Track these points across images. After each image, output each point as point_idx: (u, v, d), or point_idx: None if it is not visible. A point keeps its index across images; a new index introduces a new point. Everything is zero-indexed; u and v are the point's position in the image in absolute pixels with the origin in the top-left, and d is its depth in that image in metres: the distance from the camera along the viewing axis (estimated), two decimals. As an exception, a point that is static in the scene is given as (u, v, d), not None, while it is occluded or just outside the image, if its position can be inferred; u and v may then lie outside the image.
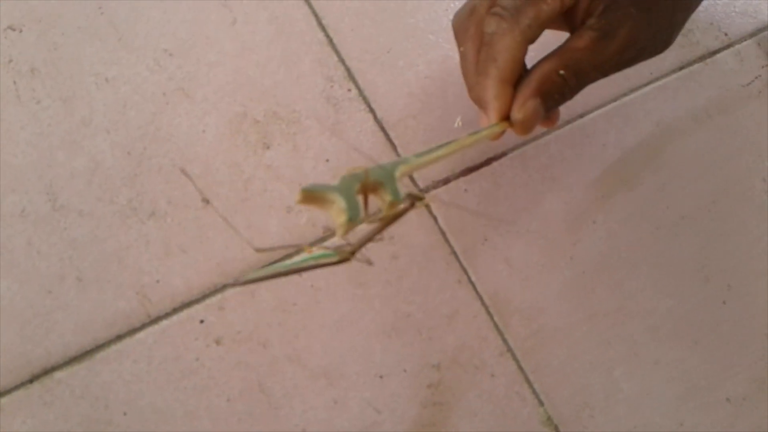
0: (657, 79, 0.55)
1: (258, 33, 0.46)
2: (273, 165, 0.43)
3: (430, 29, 0.49)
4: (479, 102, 0.35)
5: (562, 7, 0.33)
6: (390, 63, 0.48)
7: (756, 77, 0.58)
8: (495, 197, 0.47)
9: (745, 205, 0.53)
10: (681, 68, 0.57)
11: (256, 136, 0.44)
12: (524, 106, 0.33)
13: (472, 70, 0.35)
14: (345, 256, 0.29)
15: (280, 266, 0.31)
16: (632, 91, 0.54)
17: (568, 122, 0.52)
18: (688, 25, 0.58)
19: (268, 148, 0.44)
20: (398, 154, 0.46)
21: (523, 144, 0.50)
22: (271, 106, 0.45)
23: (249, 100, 0.45)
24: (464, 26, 0.36)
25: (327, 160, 0.45)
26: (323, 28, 0.48)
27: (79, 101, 0.41)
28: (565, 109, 0.51)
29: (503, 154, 0.49)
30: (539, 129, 0.49)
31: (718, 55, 0.58)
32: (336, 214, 0.26)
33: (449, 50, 0.49)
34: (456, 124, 0.48)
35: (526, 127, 0.34)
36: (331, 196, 0.26)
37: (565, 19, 0.35)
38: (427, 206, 0.46)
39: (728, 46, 0.59)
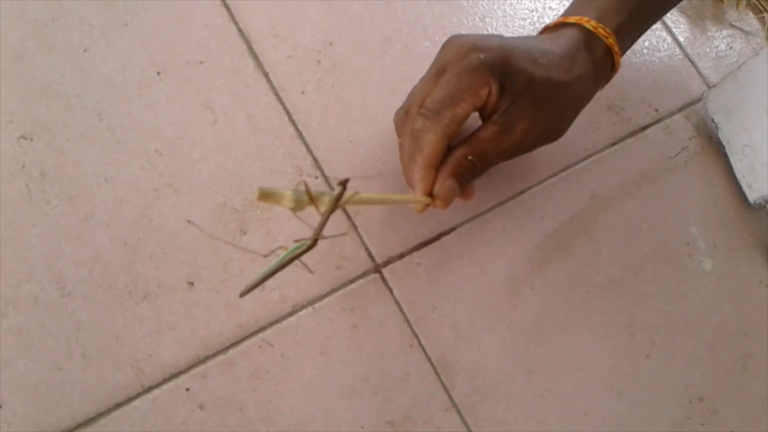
0: (592, 154, 0.63)
1: (236, 130, 0.54)
2: (248, 248, 0.50)
3: (386, 120, 0.57)
4: (409, 182, 0.42)
5: (473, 108, 0.40)
6: (352, 151, 0.56)
7: (683, 149, 0.66)
8: (444, 269, 0.54)
9: (669, 267, 0.60)
10: (614, 144, 0.64)
11: (235, 224, 0.51)
12: (443, 185, 0.41)
13: (406, 157, 0.42)
14: (311, 243, 0.38)
15: (267, 268, 0.38)
16: (569, 166, 0.61)
17: (511, 198, 0.59)
18: (621, 103, 0.65)
19: (245, 233, 0.51)
20: (359, 233, 0.54)
21: (470, 220, 0.57)
22: (248, 196, 0.52)
23: (228, 191, 0.52)
24: (401, 122, 0.43)
25: (296, 241, 0.52)
26: (294, 123, 0.55)
27: (83, 199, 0.48)
28: (509, 186, 0.58)
29: (452, 230, 0.56)
30: (478, 207, 0.57)
31: (649, 130, 0.65)
32: (287, 201, 0.34)
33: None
34: (410, 205, 0.56)
35: (444, 201, 0.41)
36: (282, 192, 0.34)
37: (479, 113, 0.43)
38: (384, 279, 0.53)
39: (658, 121, 0.66)
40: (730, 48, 0.73)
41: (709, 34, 0.73)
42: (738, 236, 0.63)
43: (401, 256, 0.54)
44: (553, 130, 0.44)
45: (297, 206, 0.35)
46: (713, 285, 0.61)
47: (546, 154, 0.61)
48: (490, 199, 0.58)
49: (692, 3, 0.74)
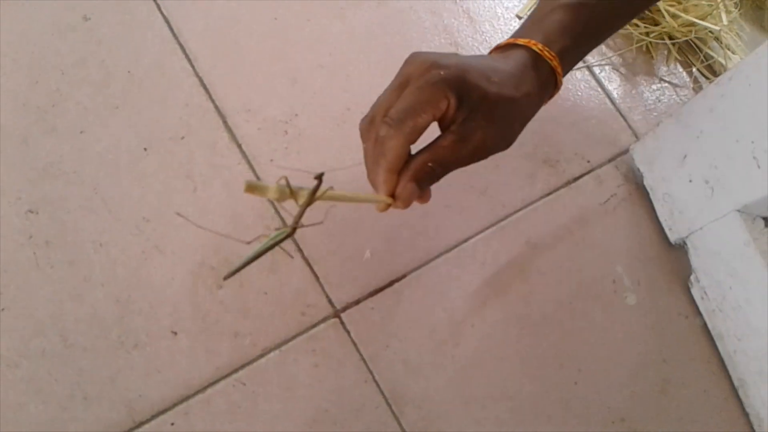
0: (528, 204, 0.71)
1: (213, 197, 0.62)
2: (224, 301, 0.59)
3: (346, 183, 0.65)
4: (373, 184, 0.45)
5: (433, 119, 0.43)
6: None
7: (612, 195, 0.74)
8: (396, 312, 0.63)
9: (596, 303, 0.69)
10: (549, 194, 0.72)
11: (212, 280, 0.59)
12: (404, 188, 0.44)
13: (371, 161, 0.45)
14: (290, 231, 0.42)
15: (250, 253, 0.41)
16: (508, 216, 0.70)
17: (455, 246, 0.67)
18: (556, 156, 0.74)
19: (220, 288, 0.59)
20: (323, 288, 0.62)
21: (419, 267, 0.65)
22: (224, 254, 0.60)
23: (206, 251, 0.60)
24: (366, 129, 0.45)
25: (265, 293, 0.60)
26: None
27: (81, 263, 0.57)
28: (454, 235, 0.66)
29: (403, 276, 0.64)
30: (427, 255, 0.65)
31: (581, 180, 0.74)
32: (272, 193, 0.39)
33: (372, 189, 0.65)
34: (365, 256, 0.64)
35: (405, 202, 0.44)
36: (266, 185, 0.39)
37: (439, 124, 0.45)
38: (342, 323, 0.61)
39: (590, 171, 0.75)
40: (659, 101, 0.81)
41: (640, 88, 0.81)
42: (660, 273, 0.72)
43: (358, 302, 0.62)
44: (504, 141, 0.47)
45: (280, 197, 0.39)
46: (636, 317, 0.69)
47: (487, 205, 0.69)
48: (437, 248, 0.66)
49: (625, 59, 0.82)
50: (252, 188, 0.38)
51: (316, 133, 0.67)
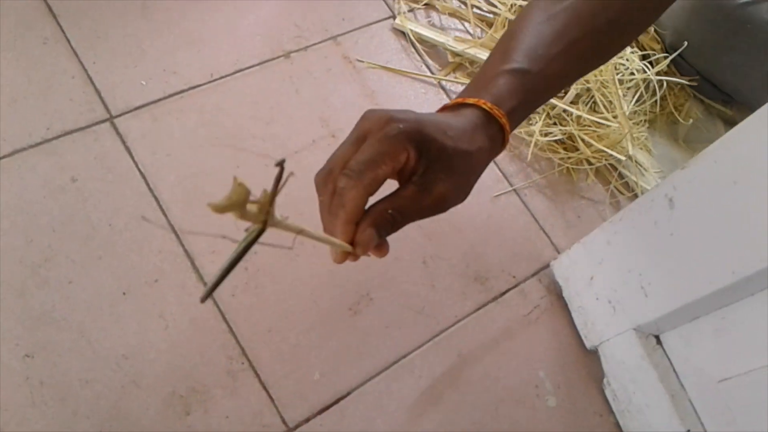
0: (459, 320, 0.81)
1: (182, 332, 0.72)
2: (192, 425, 0.69)
3: (299, 311, 0.76)
4: (331, 235, 0.44)
5: (393, 171, 0.43)
6: (270, 339, 0.74)
7: (535, 307, 0.84)
8: (341, 428, 0.73)
9: (520, 407, 0.78)
10: (478, 309, 0.82)
11: (181, 407, 0.69)
12: (363, 233, 0.43)
13: (327, 212, 0.44)
14: (261, 226, 0.37)
15: (223, 264, 0.39)
16: (442, 332, 0.80)
17: (395, 362, 0.77)
18: (485, 273, 0.84)
19: (188, 414, 0.69)
20: (277, 409, 0.72)
21: (362, 384, 0.75)
22: (190, 384, 0.70)
23: (176, 382, 0.70)
24: (323, 182, 0.44)
25: (227, 417, 0.70)
26: (226, 321, 0.74)
27: (71, 399, 0.67)
28: (393, 353, 0.76)
29: (348, 393, 0.74)
30: (368, 373, 0.75)
31: (507, 294, 0.84)
32: (234, 197, 0.34)
33: (321, 316, 0.76)
34: (315, 377, 0.74)
35: (363, 248, 0.43)
36: (226, 199, 0.34)
37: (396, 175, 0.45)
38: None
39: (515, 286, 0.85)
40: (579, 217, 0.92)
41: (561, 207, 0.92)
42: (578, 376, 0.82)
43: (308, 419, 0.72)
44: (462, 193, 0.47)
45: (239, 200, 0.35)
46: (556, 418, 0.79)
47: (424, 323, 0.80)
48: (379, 365, 0.76)
49: (548, 180, 0.93)
50: (219, 209, 0.34)
51: (273, 268, 0.77)
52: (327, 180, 0.44)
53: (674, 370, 0.72)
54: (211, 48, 0.87)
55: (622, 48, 0.58)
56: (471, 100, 0.47)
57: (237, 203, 0.35)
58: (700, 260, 0.64)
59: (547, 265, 0.87)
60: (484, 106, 0.47)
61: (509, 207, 0.90)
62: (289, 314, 0.75)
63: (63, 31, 0.82)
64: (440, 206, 0.46)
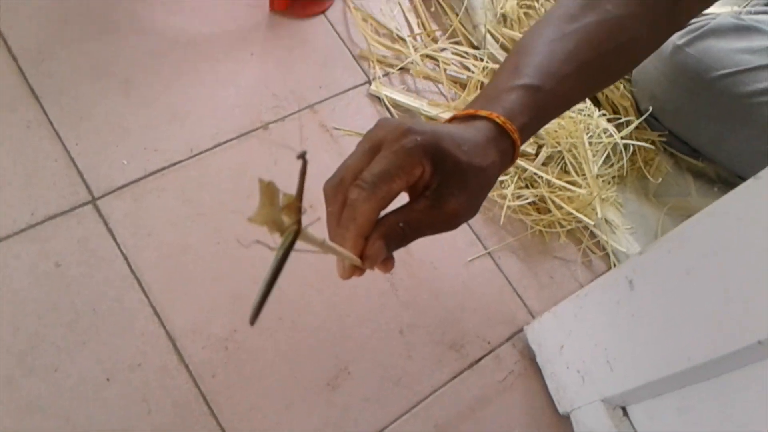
0: (436, 390, 0.84)
1: (165, 416, 0.74)
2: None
3: (280, 390, 0.78)
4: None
5: (407, 185, 0.42)
6: (257, 419, 0.77)
7: (509, 372, 0.87)
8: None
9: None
10: (454, 377, 0.85)
11: (165, 490, 0.72)
12: (373, 245, 0.42)
13: (335, 224, 0.43)
14: (296, 227, 0.36)
15: (262, 284, 0.38)
16: (419, 402, 0.82)
17: (373, 435, 0.80)
18: (461, 341, 0.87)
19: (173, 496, 0.72)
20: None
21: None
22: (175, 465, 0.73)
23: (161, 464, 0.73)
24: (333, 191, 0.43)
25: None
26: (207, 403, 0.76)
27: (57, 487, 0.69)
28: (372, 426, 0.79)
29: (328, 468, 0.77)
30: None
31: (482, 361, 0.87)
32: (265, 206, 0.34)
33: (301, 392, 0.78)
34: (295, 453, 0.77)
35: (372, 261, 0.42)
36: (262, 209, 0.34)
37: (409, 189, 0.45)
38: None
39: (490, 352, 0.88)
40: (552, 278, 0.94)
41: (534, 268, 0.94)
42: (552, 439, 0.84)
43: (288, 496, 0.74)
44: (474, 208, 0.46)
45: (269, 204, 0.34)
46: (530, 483, 0.81)
47: (401, 394, 0.82)
48: (357, 438, 0.79)
49: (521, 242, 0.96)
50: (255, 219, 0.34)
51: (253, 345, 0.80)
52: (338, 190, 0.43)
53: (641, 441, 0.75)
54: (191, 122, 0.89)
55: (627, 72, 0.57)
56: (483, 113, 0.47)
57: (270, 204, 0.35)
58: (658, 343, 0.66)
59: (521, 329, 0.89)
60: (497, 120, 0.46)
61: (484, 271, 0.92)
62: (269, 392, 0.78)
63: (45, 113, 0.84)
64: (452, 222, 0.45)
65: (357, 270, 0.44)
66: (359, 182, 0.41)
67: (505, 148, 0.47)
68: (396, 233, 0.43)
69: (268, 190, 0.34)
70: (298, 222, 0.36)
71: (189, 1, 0.97)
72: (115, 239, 0.80)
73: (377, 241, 0.42)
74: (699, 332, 0.61)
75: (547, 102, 0.49)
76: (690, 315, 0.62)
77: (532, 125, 0.49)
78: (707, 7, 0.60)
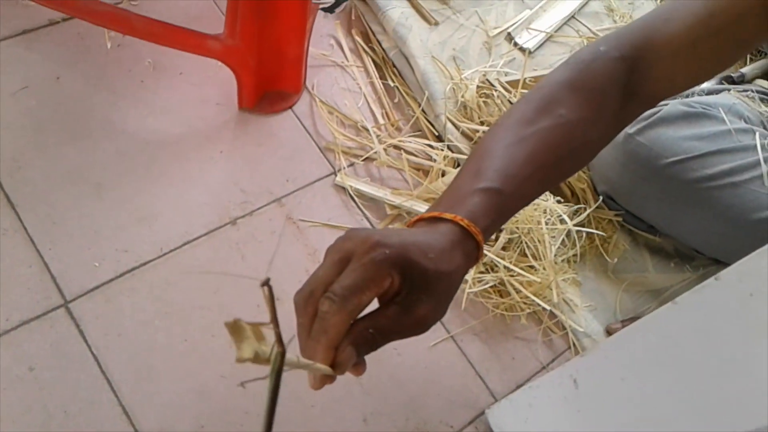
0: (399, 478, 0.86)
1: None
2: None
3: None
4: (310, 359, 0.44)
5: (376, 295, 0.44)
6: None
7: (472, 457, 0.89)
8: None
9: None
10: (417, 464, 0.87)
11: None
12: (343, 350, 0.43)
13: (306, 335, 0.44)
14: (281, 351, 0.37)
15: (266, 403, 0.38)
16: (382, 491, 0.85)
17: None
18: (423, 426, 0.89)
19: None
20: None
21: None
22: None
23: None
24: (304, 303, 0.44)
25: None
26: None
27: None
28: None
29: None
30: None
31: (445, 446, 0.89)
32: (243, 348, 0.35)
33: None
34: None
35: (342, 368, 0.43)
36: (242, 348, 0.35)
37: (378, 296, 0.45)
38: None
39: (453, 437, 0.90)
40: (513, 358, 0.97)
41: (496, 349, 0.97)
42: None
43: None
44: (441, 311, 0.48)
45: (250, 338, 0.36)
46: None
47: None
48: None
49: (483, 324, 0.99)
50: (240, 359, 0.35)
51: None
52: (308, 302, 0.44)
53: None
54: (161, 222, 0.93)
55: (579, 170, 0.60)
56: (448, 216, 0.48)
57: (245, 338, 0.36)
58: (602, 441, 0.69)
59: (483, 412, 0.91)
60: (461, 223, 0.47)
61: (446, 354, 0.95)
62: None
63: (21, 220, 0.88)
64: (421, 326, 0.46)
65: (328, 378, 0.45)
66: (330, 295, 0.42)
67: (470, 250, 0.48)
68: (366, 339, 0.44)
69: (237, 327, 0.36)
70: (281, 345, 0.37)
71: (160, 102, 1.02)
72: (86, 341, 0.84)
73: (347, 347, 0.43)
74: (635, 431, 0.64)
75: (507, 203, 0.52)
76: (627, 417, 0.65)
77: (494, 226, 0.51)
78: (651, 107, 0.63)
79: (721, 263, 1.10)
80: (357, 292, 0.42)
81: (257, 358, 0.36)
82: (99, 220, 0.91)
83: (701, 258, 1.10)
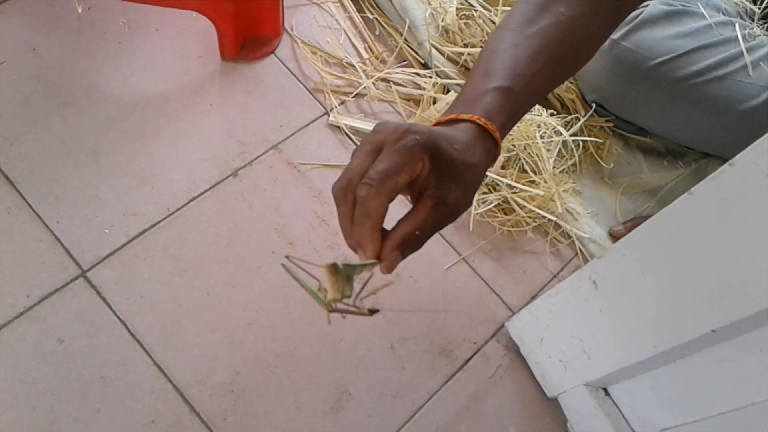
0: (433, 395, 0.88)
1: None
2: None
3: (291, 415, 0.82)
4: (358, 244, 0.46)
5: (410, 179, 0.45)
6: (266, 451, 0.81)
7: (498, 367, 0.92)
8: None
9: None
10: (447, 381, 0.89)
11: None
12: (390, 255, 0.45)
13: (349, 223, 0.46)
14: (327, 307, 0.46)
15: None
16: (418, 410, 0.87)
17: (380, 448, 0.84)
18: (448, 345, 0.91)
19: None
20: None
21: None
22: None
23: None
24: (343, 192, 0.46)
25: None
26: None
27: None
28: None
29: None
30: None
31: (471, 361, 0.91)
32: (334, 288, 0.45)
33: (308, 421, 0.82)
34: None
35: (389, 268, 0.46)
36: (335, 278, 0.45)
37: (408, 186, 0.47)
38: None
39: (477, 351, 0.92)
40: (524, 272, 0.99)
41: (507, 265, 0.99)
42: (544, 423, 0.89)
43: None
44: (469, 200, 0.49)
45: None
46: (530, 467, 0.87)
47: (400, 405, 0.86)
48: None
49: (492, 243, 1.00)
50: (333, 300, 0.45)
51: (256, 384, 0.83)
52: (347, 190, 0.45)
53: (624, 417, 0.80)
54: (163, 182, 0.92)
55: (582, 65, 0.60)
56: (465, 116, 0.49)
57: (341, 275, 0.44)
58: (626, 333, 0.71)
59: (503, 326, 0.94)
60: (478, 122, 0.49)
61: (460, 276, 0.96)
62: (278, 425, 0.82)
63: (23, 197, 0.86)
64: (453, 214, 0.48)
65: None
66: (367, 180, 0.44)
67: (489, 146, 0.50)
68: (409, 241, 0.46)
69: (332, 270, 0.45)
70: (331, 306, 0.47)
71: (141, 62, 0.99)
72: (110, 307, 0.83)
73: (393, 252, 0.46)
74: (660, 324, 0.66)
75: (519, 100, 0.52)
76: (649, 309, 0.66)
77: (508, 123, 0.52)
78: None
79: (712, 156, 1.12)
80: (392, 174, 0.44)
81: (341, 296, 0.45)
82: (101, 188, 0.90)
83: (692, 153, 1.11)
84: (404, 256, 0.47)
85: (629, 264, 0.67)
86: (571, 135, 0.97)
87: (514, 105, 0.52)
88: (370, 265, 0.47)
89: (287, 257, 0.45)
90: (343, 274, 0.45)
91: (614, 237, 1.02)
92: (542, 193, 0.95)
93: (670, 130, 1.06)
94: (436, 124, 0.51)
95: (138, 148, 0.93)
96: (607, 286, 0.71)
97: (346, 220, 0.46)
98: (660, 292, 0.65)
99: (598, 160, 1.06)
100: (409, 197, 0.49)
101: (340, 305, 0.47)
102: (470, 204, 0.50)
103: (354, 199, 0.45)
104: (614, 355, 0.74)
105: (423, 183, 0.47)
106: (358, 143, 1.01)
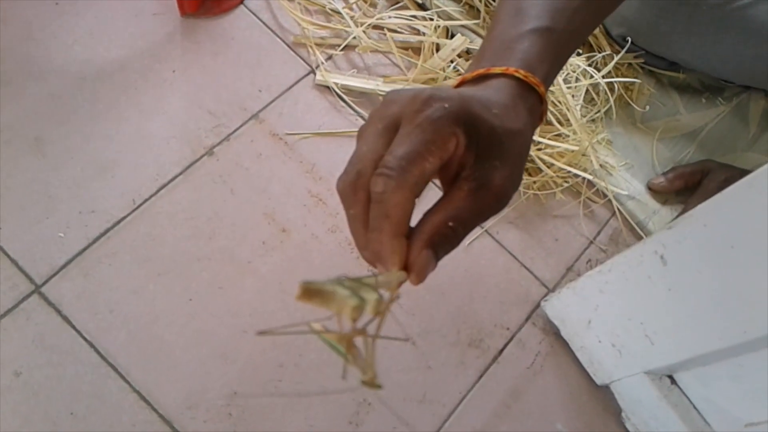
0: (465, 395, 0.75)
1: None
2: None
3: None
4: (377, 257, 0.35)
5: (441, 163, 0.34)
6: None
7: (536, 355, 0.78)
8: None
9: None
10: (480, 377, 0.76)
11: None
12: (420, 255, 0.34)
13: (362, 229, 0.35)
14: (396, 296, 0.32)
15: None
16: (450, 414, 0.74)
17: (410, 464, 0.71)
18: (478, 335, 0.77)
19: None
20: None
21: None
22: None
23: None
24: (351, 189, 0.35)
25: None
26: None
27: None
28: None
29: None
30: None
31: (506, 351, 0.78)
32: (340, 304, 0.29)
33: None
34: None
35: (420, 275, 0.34)
36: (331, 288, 0.29)
37: (440, 174, 0.36)
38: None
39: (511, 339, 0.79)
40: (556, 240, 0.85)
41: (536, 234, 0.84)
42: (594, 413, 0.77)
43: None
44: (518, 179, 0.37)
45: (357, 310, 0.30)
46: (582, 466, 0.74)
47: (429, 411, 0.73)
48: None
49: (517, 210, 0.85)
50: (309, 292, 0.30)
51: (258, 403, 0.70)
52: (357, 186, 0.34)
53: (695, 408, 0.67)
54: (124, 169, 0.76)
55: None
56: (497, 70, 0.38)
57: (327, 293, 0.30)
58: (705, 316, 0.58)
59: (538, 305, 0.80)
60: (517, 75, 0.38)
61: (484, 251, 0.82)
62: (288, 450, 0.68)
63: (-46, 201, 0.70)
64: (502, 201, 0.36)
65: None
66: (382, 170, 0.33)
67: (532, 104, 0.39)
68: (444, 236, 0.34)
69: (307, 288, 0.29)
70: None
71: (85, 25, 0.81)
72: (74, 327, 0.69)
73: (423, 251, 0.34)
74: (751, 306, 0.52)
75: (562, 43, 0.42)
76: (738, 289, 0.53)
77: (552, 73, 0.41)
78: None
79: (753, 89, 0.97)
80: (417, 159, 0.33)
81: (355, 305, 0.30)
82: (50, 182, 0.74)
83: (731, 87, 0.97)
84: (438, 258, 0.35)
85: (713, 235, 0.53)
86: (603, 76, 0.82)
87: (556, 49, 0.41)
88: (395, 281, 0.33)
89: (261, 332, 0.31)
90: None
91: (655, 191, 0.88)
92: (573, 147, 0.80)
93: (709, 63, 0.91)
94: (461, 84, 0.40)
95: (90, 129, 0.77)
96: (679, 262, 0.58)
97: (358, 224, 0.35)
98: (753, 268, 0.51)
99: (629, 102, 0.91)
100: (440, 183, 0.37)
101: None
102: (519, 183, 0.37)
103: (367, 197, 0.34)
104: (687, 340, 0.61)
105: (457, 164, 0.35)
106: (353, 104, 0.85)
